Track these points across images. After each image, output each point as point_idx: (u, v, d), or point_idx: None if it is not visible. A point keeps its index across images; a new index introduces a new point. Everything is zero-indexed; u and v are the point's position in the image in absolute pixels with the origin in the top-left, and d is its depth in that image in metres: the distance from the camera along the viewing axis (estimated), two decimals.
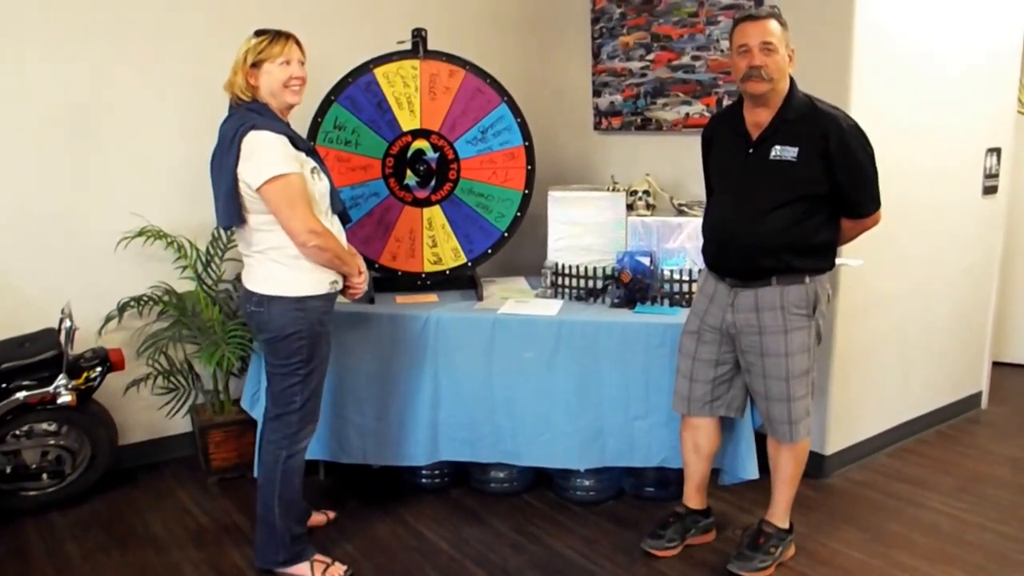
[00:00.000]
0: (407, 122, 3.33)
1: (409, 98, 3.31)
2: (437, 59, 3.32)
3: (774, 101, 2.49)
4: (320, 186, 2.52)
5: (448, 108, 3.34)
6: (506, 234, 3.42)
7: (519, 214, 3.41)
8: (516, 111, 3.37)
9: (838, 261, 2.71)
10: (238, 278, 2.91)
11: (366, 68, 3.27)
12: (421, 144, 3.35)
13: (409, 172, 3.36)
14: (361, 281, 2.65)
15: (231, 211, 2.44)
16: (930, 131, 3.54)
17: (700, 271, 3.08)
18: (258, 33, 2.49)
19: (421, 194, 3.38)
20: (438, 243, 3.40)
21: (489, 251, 3.43)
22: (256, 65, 2.46)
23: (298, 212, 2.39)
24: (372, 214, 3.35)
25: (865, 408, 3.54)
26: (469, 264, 3.43)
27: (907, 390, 3.76)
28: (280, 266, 2.48)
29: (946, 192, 3.71)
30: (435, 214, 3.40)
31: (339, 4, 3.76)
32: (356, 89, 3.27)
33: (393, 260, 3.39)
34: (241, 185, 2.41)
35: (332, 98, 3.25)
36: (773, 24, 2.44)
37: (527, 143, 3.38)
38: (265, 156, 2.37)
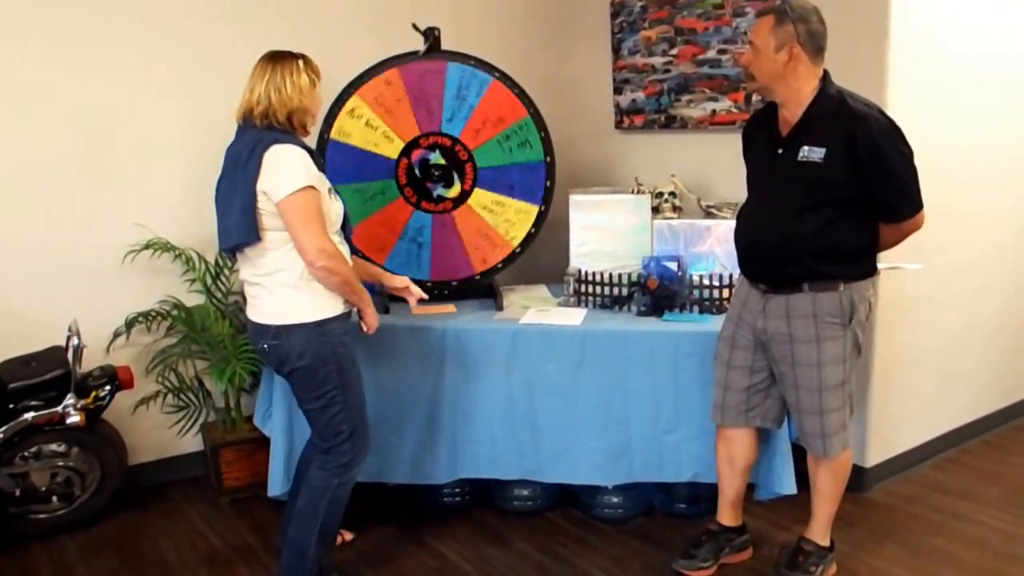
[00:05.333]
0: (392, 150, 3.21)
1: (378, 131, 3.19)
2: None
3: (789, 100, 2.41)
4: (336, 207, 2.48)
5: (410, 109, 3.20)
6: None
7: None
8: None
9: (890, 264, 2.59)
10: (244, 296, 2.82)
11: (325, 135, 3.13)
12: (416, 155, 3.23)
13: (429, 184, 3.26)
14: (373, 312, 2.58)
15: (248, 227, 2.34)
16: (973, 127, 3.42)
17: (731, 275, 3.00)
18: (276, 55, 2.42)
19: (454, 192, 3.27)
20: (499, 214, 3.31)
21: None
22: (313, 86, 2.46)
23: (312, 228, 2.33)
24: (434, 244, 3.27)
25: (906, 418, 3.45)
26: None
27: (950, 398, 3.66)
28: (291, 290, 2.40)
29: (990, 192, 3.59)
30: (479, 197, 3.29)
31: (344, 17, 3.65)
32: (332, 152, 3.14)
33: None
34: (260, 199, 2.33)
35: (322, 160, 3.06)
36: (765, 20, 2.38)
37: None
38: (290, 168, 2.32)
